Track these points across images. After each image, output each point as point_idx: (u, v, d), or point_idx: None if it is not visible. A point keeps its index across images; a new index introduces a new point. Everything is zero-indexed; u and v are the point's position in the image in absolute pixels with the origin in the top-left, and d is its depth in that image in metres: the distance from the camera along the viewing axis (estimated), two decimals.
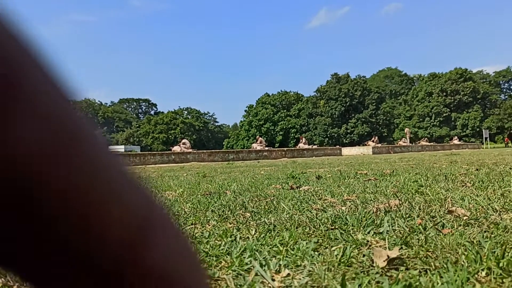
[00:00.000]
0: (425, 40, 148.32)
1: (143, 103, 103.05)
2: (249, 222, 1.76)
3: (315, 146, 33.04)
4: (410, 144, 35.59)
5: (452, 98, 62.81)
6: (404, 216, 1.68)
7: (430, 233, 1.36)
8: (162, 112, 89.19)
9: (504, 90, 79.15)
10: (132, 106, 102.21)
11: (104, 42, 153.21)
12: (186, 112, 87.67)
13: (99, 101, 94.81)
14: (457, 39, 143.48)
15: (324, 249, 1.23)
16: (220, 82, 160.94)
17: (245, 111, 75.73)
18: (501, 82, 78.60)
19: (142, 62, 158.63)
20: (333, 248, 1.19)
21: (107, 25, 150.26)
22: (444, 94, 63.69)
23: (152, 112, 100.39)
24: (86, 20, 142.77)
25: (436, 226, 1.46)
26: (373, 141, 33.33)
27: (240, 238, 1.44)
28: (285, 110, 71.53)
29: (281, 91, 76.08)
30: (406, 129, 38.01)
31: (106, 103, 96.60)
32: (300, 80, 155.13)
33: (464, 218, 1.62)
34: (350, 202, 2.30)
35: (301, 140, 31.26)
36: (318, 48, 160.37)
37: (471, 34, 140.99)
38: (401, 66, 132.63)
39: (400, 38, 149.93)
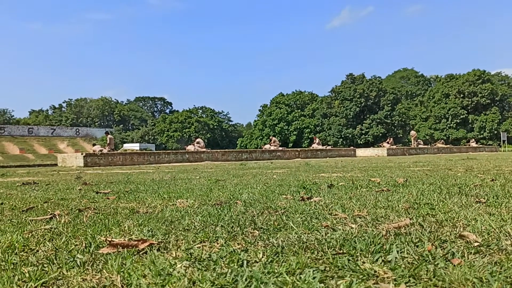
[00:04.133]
0: (443, 41, 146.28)
1: (159, 102, 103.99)
2: (258, 242, 1.76)
3: (329, 147, 32.86)
4: (426, 146, 35.07)
5: (470, 100, 61.72)
6: (414, 241, 1.67)
7: (439, 263, 1.35)
8: (177, 111, 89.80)
9: None
10: (148, 105, 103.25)
11: (121, 41, 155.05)
12: (200, 111, 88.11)
13: (115, 99, 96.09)
14: (476, 41, 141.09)
15: (330, 280, 1.23)
16: (235, 81, 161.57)
17: (259, 110, 75.72)
18: None
19: (158, 60, 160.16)
20: (339, 282, 1.19)
21: (124, 23, 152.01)
22: (462, 95, 62.63)
23: (167, 111, 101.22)
24: (104, 18, 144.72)
25: (446, 255, 1.44)
26: (388, 143, 33.03)
27: (247, 262, 1.45)
28: (299, 110, 71.31)
29: (295, 91, 75.93)
30: (412, 132, 36.30)
31: (122, 101, 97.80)
32: (315, 80, 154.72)
33: (475, 244, 1.59)
34: (360, 218, 2.29)
35: (314, 141, 31.15)
36: (335, 48, 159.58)
37: (490, 36, 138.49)
38: (417, 67, 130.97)
39: (418, 39, 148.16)
